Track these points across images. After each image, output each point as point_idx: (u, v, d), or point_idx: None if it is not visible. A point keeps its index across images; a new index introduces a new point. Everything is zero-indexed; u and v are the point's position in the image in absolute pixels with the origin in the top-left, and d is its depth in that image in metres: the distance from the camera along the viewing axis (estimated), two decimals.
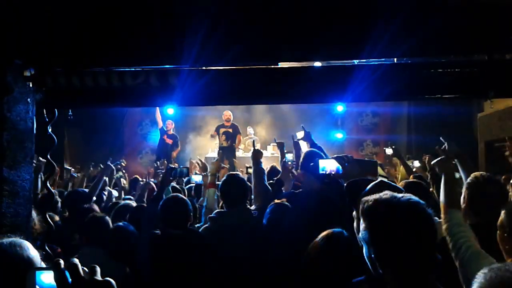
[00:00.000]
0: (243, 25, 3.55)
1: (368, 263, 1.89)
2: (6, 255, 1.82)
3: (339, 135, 10.41)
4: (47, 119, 3.35)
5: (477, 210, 3.16)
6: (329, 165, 3.85)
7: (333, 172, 3.82)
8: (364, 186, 2.58)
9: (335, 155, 3.82)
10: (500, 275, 1.27)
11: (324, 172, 3.86)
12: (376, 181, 2.69)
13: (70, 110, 4.07)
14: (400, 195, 1.88)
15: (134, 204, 5.31)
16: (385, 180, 2.79)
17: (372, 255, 1.82)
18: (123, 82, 3.30)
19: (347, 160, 3.63)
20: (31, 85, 3.10)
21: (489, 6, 2.76)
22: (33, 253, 1.89)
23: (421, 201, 1.84)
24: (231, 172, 4.71)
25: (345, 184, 3.25)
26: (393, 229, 1.76)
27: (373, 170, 3.98)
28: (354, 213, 2.56)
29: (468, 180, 3.28)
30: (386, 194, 1.89)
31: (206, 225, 4.04)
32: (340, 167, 3.67)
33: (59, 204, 5.48)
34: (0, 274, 1.75)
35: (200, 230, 4.05)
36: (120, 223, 4.14)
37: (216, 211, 4.16)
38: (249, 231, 3.82)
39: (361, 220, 1.90)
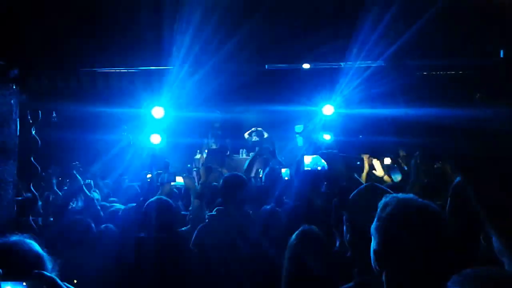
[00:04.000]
0: (231, 26, 3.53)
1: (372, 259, 1.85)
2: (15, 250, 1.78)
3: (327, 137, 10.40)
4: (31, 121, 3.28)
5: (459, 213, 3.12)
6: (314, 162, 3.85)
7: (318, 168, 3.82)
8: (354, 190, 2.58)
9: (320, 152, 3.79)
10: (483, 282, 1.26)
11: (309, 168, 3.85)
12: (367, 184, 2.68)
13: (53, 112, 4.00)
14: (416, 197, 1.86)
15: (120, 207, 5.25)
16: (375, 184, 2.78)
17: (377, 249, 1.80)
18: (108, 84, 3.26)
19: (333, 157, 3.59)
20: (14, 87, 3.04)
21: (474, 12, 2.78)
22: (42, 250, 1.85)
23: (434, 205, 1.81)
24: (233, 172, 4.68)
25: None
26: (407, 229, 1.74)
27: (359, 167, 3.99)
28: (344, 217, 2.55)
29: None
30: (403, 195, 1.88)
31: (205, 222, 4.01)
32: (326, 164, 3.65)
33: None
34: (10, 268, 1.71)
35: (198, 227, 4.01)
36: (103, 226, 4.09)
37: (216, 209, 4.13)
38: (244, 232, 3.81)
39: (376, 217, 1.87)
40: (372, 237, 1.85)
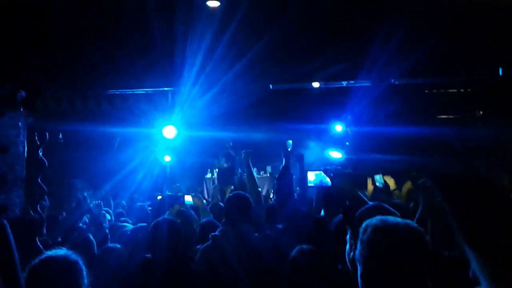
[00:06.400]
0: (239, 48, 3.57)
1: (360, 283, 1.80)
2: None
3: (338, 155, 10.26)
4: (38, 143, 3.32)
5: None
6: (317, 178, 3.84)
7: (322, 185, 3.81)
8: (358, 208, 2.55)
9: (324, 168, 3.76)
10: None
11: (312, 184, 3.85)
12: (375, 203, 2.65)
13: (60, 133, 4.05)
14: (399, 219, 1.80)
15: (131, 227, 5.26)
16: (383, 204, 2.75)
17: (362, 275, 1.75)
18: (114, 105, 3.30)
19: (335, 173, 3.55)
20: (22, 110, 3.09)
21: (474, 31, 2.77)
22: None
23: (419, 228, 1.75)
24: (236, 191, 4.70)
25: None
26: (387, 254, 1.69)
27: (362, 183, 3.93)
28: (348, 235, 2.51)
29: None
30: (386, 217, 1.82)
31: (208, 243, 3.99)
32: (329, 180, 3.62)
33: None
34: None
35: (202, 247, 3.99)
36: (111, 245, 4.09)
37: (219, 229, 4.12)
38: (248, 252, 3.78)
39: (358, 241, 1.81)
40: (357, 263, 1.80)
